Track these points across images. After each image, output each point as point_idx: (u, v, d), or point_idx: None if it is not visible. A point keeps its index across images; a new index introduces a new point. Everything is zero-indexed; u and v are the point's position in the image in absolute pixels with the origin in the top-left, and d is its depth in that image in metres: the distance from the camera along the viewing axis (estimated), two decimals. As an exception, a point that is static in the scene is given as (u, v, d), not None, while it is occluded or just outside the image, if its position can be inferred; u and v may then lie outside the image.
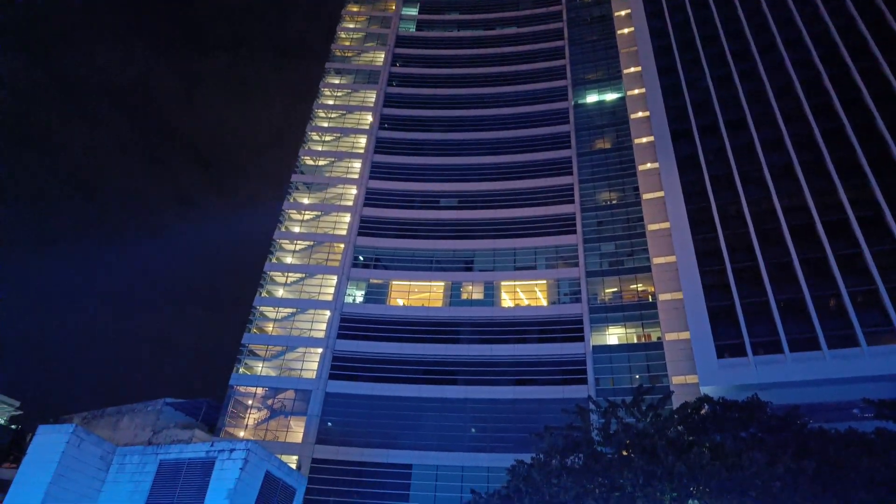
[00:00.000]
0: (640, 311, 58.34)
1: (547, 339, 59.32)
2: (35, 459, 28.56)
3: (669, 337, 54.52)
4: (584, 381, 55.10)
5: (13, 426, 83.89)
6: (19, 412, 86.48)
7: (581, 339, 58.27)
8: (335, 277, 66.48)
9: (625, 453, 31.14)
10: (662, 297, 56.85)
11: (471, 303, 64.03)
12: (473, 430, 55.34)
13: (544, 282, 64.78)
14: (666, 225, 59.14)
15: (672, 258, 56.57)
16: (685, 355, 51.71)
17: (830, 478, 26.99)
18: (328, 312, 63.82)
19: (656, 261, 59.20)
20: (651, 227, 61.41)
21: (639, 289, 60.37)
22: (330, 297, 64.96)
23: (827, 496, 26.15)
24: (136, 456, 31.13)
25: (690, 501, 28.57)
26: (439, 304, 64.48)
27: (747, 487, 26.48)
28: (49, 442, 28.98)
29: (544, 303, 63.70)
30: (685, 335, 52.44)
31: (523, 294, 65.21)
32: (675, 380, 51.28)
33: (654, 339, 56.41)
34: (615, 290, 61.32)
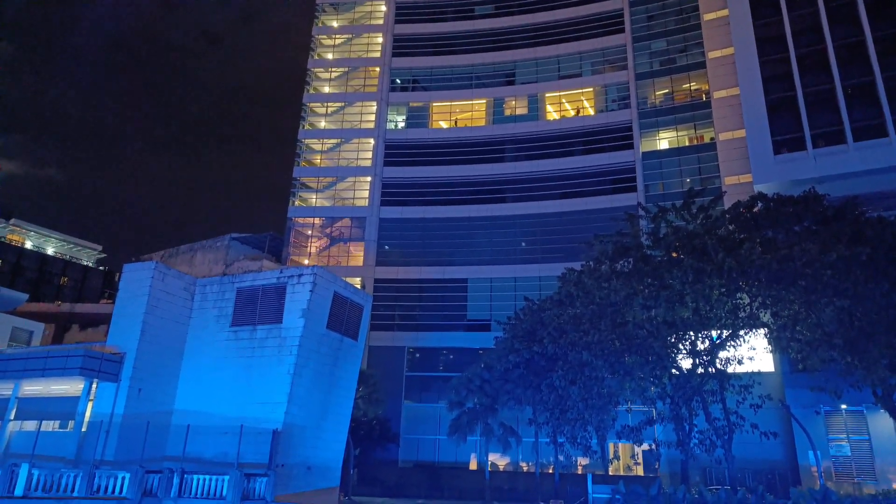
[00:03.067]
0: (693, 111, 55.65)
1: (594, 150, 58.14)
2: (127, 294, 31.55)
3: (723, 136, 52.44)
4: (633, 189, 54.80)
5: (100, 268, 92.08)
6: (103, 255, 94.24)
7: (630, 146, 56.82)
8: (374, 104, 65.14)
9: (674, 255, 31.78)
10: (717, 94, 53.66)
11: (514, 119, 62.29)
12: (523, 243, 57.18)
13: (591, 89, 61.76)
14: (724, 13, 53.72)
15: (729, 50, 52.22)
16: (739, 154, 50.05)
17: (885, 262, 27.04)
18: (372, 140, 63.67)
19: (711, 55, 54.95)
20: (707, 16, 56.07)
21: (692, 88, 56.97)
22: (372, 125, 64.35)
23: (880, 280, 26.42)
24: (216, 286, 33.91)
25: (739, 294, 29.53)
26: (482, 122, 63.05)
27: (798, 277, 26.95)
28: (136, 278, 31.70)
29: (591, 112, 61.36)
30: (740, 133, 50.24)
31: (569, 105, 62.72)
32: (728, 180, 50.30)
33: (706, 140, 54.42)
34: (666, 91, 58.08)
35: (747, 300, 29.92)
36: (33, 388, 30.50)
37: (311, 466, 30.72)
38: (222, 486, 23.46)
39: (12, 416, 29.83)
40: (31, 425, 30.93)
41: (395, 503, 39.69)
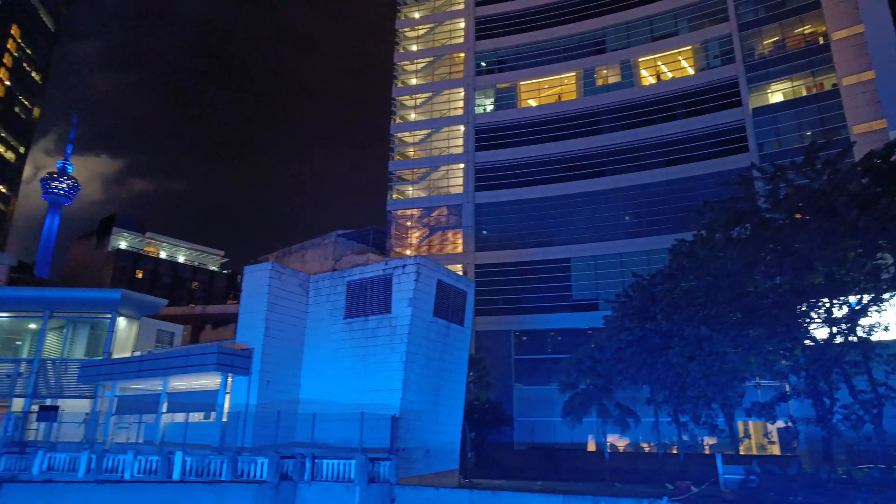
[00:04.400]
0: (809, 57, 50.82)
1: (698, 112, 54.78)
2: (249, 294, 33.90)
3: (847, 81, 47.47)
4: (743, 150, 51.16)
5: (224, 271, 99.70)
6: (225, 259, 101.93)
7: (738, 103, 52.99)
8: (461, 90, 65.16)
9: (798, 217, 29.27)
10: (837, 35, 48.62)
11: (607, 88, 59.96)
12: (627, 217, 55.15)
13: (688, 48, 58.15)
14: (840, -56, 48.49)
15: (849, -15, 47.14)
16: (868, 99, 45.15)
17: None
18: (462, 126, 63.80)
19: (827, -7, 49.85)
20: (819, -49, 50.86)
21: (805, 32, 52.04)
22: (461, 111, 64.46)
23: None
24: (327, 281, 35.57)
25: (881, 255, 26.71)
26: (573, 96, 61.26)
27: (950, 231, 23.96)
28: (256, 279, 33.97)
29: (691, 72, 57.78)
30: (868, 76, 45.31)
31: (665, 67, 59.43)
32: (857, 129, 45.53)
33: (827, 87, 49.56)
34: (776, 39, 53.45)
35: (891, 260, 27.00)
36: (179, 383, 33.59)
37: (430, 450, 31.57)
38: (350, 470, 24.72)
39: (164, 409, 33.02)
40: (179, 417, 34.17)
41: (514, 485, 39.98)
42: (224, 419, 30.84)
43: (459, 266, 57.59)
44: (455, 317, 34.88)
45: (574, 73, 61.76)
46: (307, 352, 34.54)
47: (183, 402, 33.48)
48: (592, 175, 56.85)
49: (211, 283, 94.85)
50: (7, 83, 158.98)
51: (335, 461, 25.19)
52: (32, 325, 43.40)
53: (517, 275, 56.37)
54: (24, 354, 42.95)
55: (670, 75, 58.69)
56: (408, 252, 60.96)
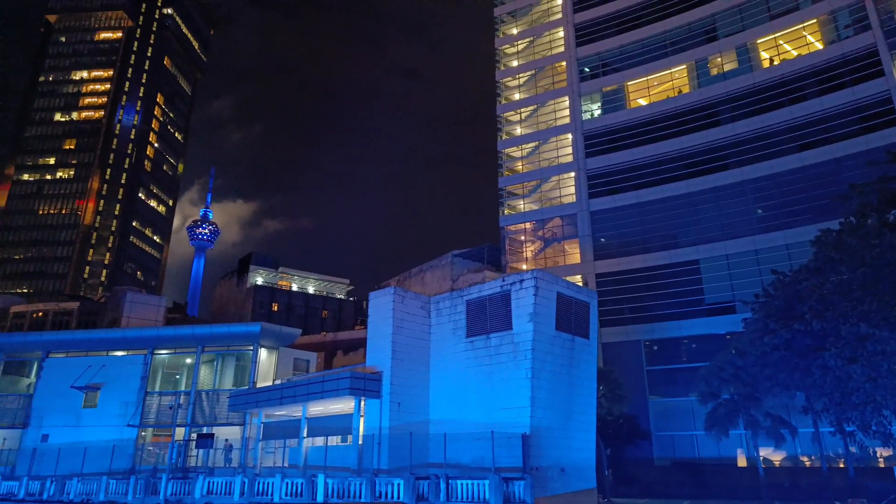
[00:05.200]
0: (965, 11, 44.60)
1: (831, 89, 49.76)
2: (375, 318, 35.16)
3: None
4: (891, 124, 45.63)
5: (350, 298, 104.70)
6: (351, 287, 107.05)
7: (879, 73, 47.54)
8: (566, 98, 64.11)
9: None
10: None
11: (724, 76, 56.21)
12: (759, 210, 50.96)
13: (813, 21, 53.22)
14: None
15: None
16: None
17: None
18: (569, 135, 62.63)
19: (982, -66, 43.61)
20: None
21: (958, -17, 45.76)
22: (567, 120, 63.35)
23: None
24: (447, 301, 36.04)
25: None
26: (686, 90, 58.06)
27: None
28: (380, 304, 35.17)
29: (819, 46, 52.74)
30: None
31: (788, 45, 54.72)
32: None
33: None
34: (920, -4, 47.48)
35: None
36: (316, 408, 35.37)
37: (565, 468, 30.61)
38: (484, 490, 24.51)
39: (305, 434, 34.87)
40: (319, 440, 35.92)
41: (658, 504, 37.70)
42: (360, 442, 31.93)
43: (579, 277, 56.07)
44: (579, 329, 33.84)
45: (685, 66, 58.64)
46: (433, 372, 35.02)
47: (321, 426, 35.16)
48: (716, 169, 53.26)
49: (340, 310, 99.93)
50: (156, 145, 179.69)
51: (469, 481, 25.09)
52: (188, 360, 47.85)
53: (642, 281, 53.76)
54: (182, 387, 47.39)
55: (795, 53, 53.93)
56: (524, 266, 60.38)
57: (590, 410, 33.90)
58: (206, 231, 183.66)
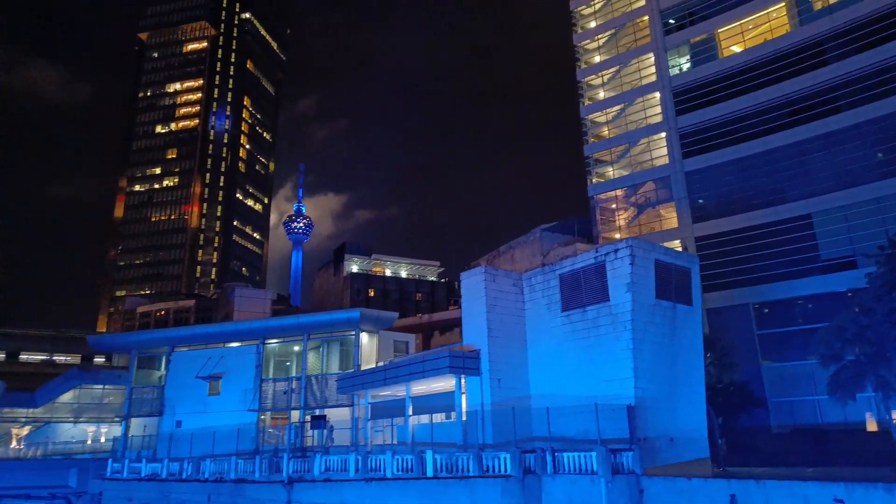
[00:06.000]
0: None
1: (960, 9, 44.08)
2: (468, 298, 35.51)
3: None
4: None
5: (442, 280, 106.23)
6: (441, 269, 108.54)
7: None
8: (650, 55, 60.94)
9: None
10: None
11: (829, 10, 51.02)
12: (880, 154, 46.31)
13: (934, -66, 47.15)
14: None
15: None
16: None
17: None
18: (657, 94, 59.63)
19: None
20: None
21: None
22: (653, 78, 60.28)
23: None
24: (539, 276, 35.67)
25: None
26: (786, 29, 53.42)
27: None
28: (472, 284, 35.42)
29: (942, -38, 46.72)
30: None
31: (904, -34, 48.81)
32: None
33: None
34: None
35: None
36: (419, 387, 36.36)
37: (674, 438, 29.70)
38: (591, 462, 24.28)
39: (410, 412, 35.96)
40: (424, 418, 36.95)
41: (779, 472, 35.68)
42: (464, 418, 32.52)
43: (677, 242, 53.64)
44: (681, 296, 32.47)
45: (783, 3, 53.87)
46: (531, 348, 34.93)
47: (424, 404, 36.13)
48: (826, 114, 48.73)
49: (432, 292, 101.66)
50: (247, 147, 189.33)
51: (575, 454, 24.94)
52: (296, 348, 50.57)
53: (747, 242, 50.52)
54: (293, 373, 50.19)
55: (912, -26, 48.10)
56: (617, 236, 58.51)
57: (698, 379, 32.60)
58: (301, 225, 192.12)
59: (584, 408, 28.70)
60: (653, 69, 60.42)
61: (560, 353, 33.12)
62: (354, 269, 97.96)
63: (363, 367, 45.18)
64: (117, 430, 55.02)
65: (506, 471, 25.19)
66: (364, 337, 47.90)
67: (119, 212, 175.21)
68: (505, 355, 33.87)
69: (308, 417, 44.54)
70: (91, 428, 60.13)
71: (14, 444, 58.30)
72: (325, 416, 42.52)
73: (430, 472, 27.07)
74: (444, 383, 34.91)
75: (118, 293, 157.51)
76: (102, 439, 59.04)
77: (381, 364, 44.00)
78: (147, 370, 55.32)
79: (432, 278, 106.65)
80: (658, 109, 59.15)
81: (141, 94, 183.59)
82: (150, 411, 51.71)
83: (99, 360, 75.30)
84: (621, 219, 60.76)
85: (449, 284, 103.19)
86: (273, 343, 50.98)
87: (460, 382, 33.44)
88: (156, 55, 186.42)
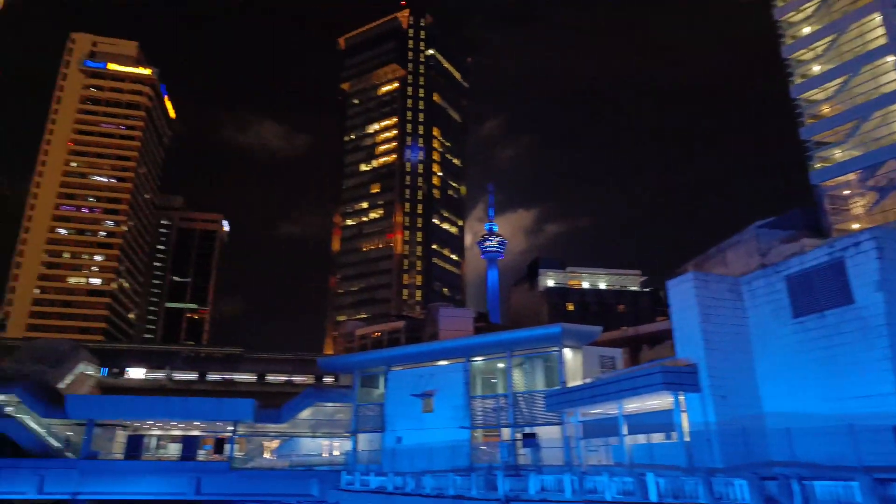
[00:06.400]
0: None
1: None
2: (678, 308, 33.04)
3: None
4: None
5: (645, 289, 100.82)
6: (643, 277, 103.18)
7: None
8: (876, 15, 52.17)
9: None
10: None
11: None
12: None
13: None
14: None
15: None
16: None
17: None
18: (889, 58, 50.85)
19: None
20: None
21: None
22: (882, 41, 51.49)
23: None
24: (760, 279, 32.00)
25: None
26: None
27: None
28: (680, 292, 32.93)
29: None
30: None
31: None
32: None
33: None
34: None
35: None
36: (632, 405, 34.60)
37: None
38: (852, 493, 20.81)
39: (625, 432, 34.37)
40: (641, 438, 35.04)
41: None
42: (686, 439, 30.18)
43: (936, 228, 44.58)
44: (952, 293, 26.83)
45: None
46: (758, 360, 31.50)
47: (639, 423, 34.24)
48: None
49: (635, 303, 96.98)
50: (440, 174, 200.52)
51: (829, 483, 21.58)
52: (500, 364, 51.44)
53: None
54: (500, 390, 51.06)
55: None
56: (855, 226, 50.43)
57: None
58: (494, 243, 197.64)
59: (832, 429, 24.91)
60: (881, 30, 51.60)
61: (792, 365, 29.50)
62: (550, 283, 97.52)
63: (569, 384, 44.36)
64: (347, 444, 60.78)
65: (743, 500, 22.70)
66: (567, 353, 47.09)
67: (336, 245, 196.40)
68: (726, 369, 30.92)
69: (519, 435, 44.90)
70: (325, 442, 67.31)
71: (267, 454, 67.56)
72: (535, 433, 42.51)
73: (653, 498, 25.45)
74: (660, 400, 32.80)
75: (339, 318, 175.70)
76: (336, 452, 65.70)
77: (587, 381, 42.86)
78: (368, 388, 60.39)
79: (634, 288, 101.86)
80: (893, 76, 50.28)
81: (346, 138, 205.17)
82: (374, 427, 56.22)
83: (328, 379, 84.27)
84: (858, 206, 52.33)
85: (653, 294, 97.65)
86: (478, 360, 52.44)
87: (678, 399, 31.15)
88: (356, 101, 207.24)
